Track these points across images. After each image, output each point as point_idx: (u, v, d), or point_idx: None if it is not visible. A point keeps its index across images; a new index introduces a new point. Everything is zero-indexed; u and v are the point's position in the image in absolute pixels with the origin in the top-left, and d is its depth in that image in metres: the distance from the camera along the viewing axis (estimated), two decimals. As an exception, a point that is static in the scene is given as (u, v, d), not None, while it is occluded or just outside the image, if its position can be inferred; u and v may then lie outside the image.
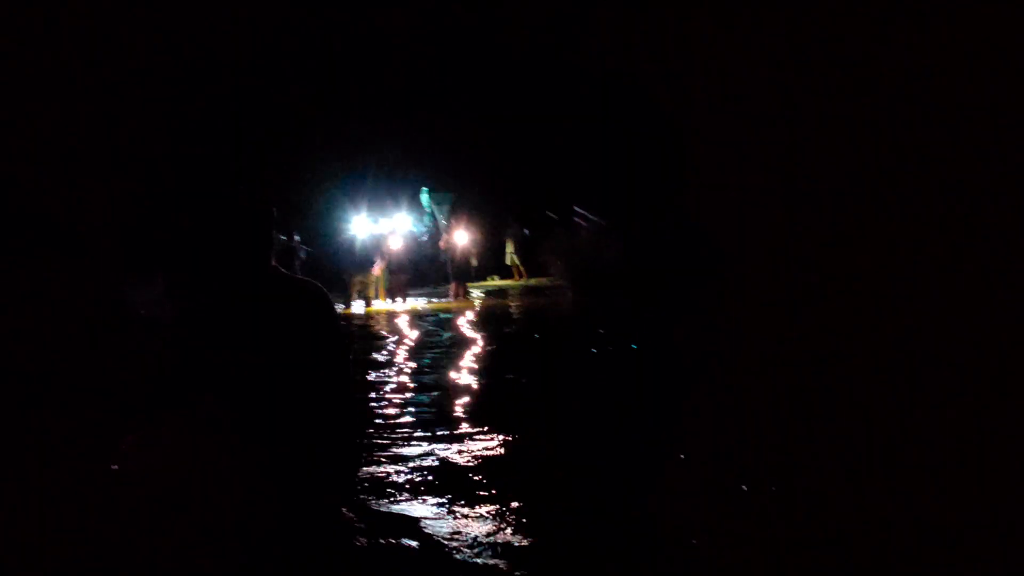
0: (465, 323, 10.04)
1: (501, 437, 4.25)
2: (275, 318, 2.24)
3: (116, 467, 2.18)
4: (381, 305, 12.84)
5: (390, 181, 17.90)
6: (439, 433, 4.38)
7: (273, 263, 2.21)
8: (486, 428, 4.44)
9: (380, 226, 13.86)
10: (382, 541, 2.94)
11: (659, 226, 11.46)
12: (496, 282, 17.56)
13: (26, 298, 4.97)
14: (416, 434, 4.38)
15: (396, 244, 13.69)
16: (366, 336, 9.38)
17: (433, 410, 4.99)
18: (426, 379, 6.08)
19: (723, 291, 8.55)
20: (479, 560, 2.74)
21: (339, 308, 12.24)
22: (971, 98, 5.73)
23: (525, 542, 2.89)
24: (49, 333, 4.81)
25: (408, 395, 5.53)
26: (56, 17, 5.70)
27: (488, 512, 3.17)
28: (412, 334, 9.20)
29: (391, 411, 5.05)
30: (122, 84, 6.42)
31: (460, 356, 7.25)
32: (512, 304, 12.56)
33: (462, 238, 14.30)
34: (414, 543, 2.90)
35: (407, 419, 4.79)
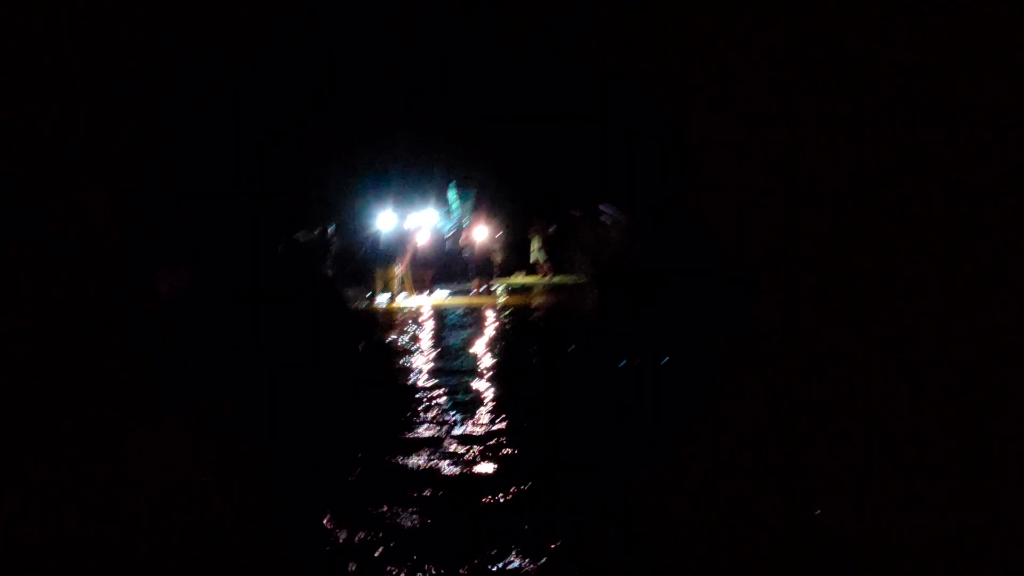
0: (482, 320, 10.05)
1: (505, 435, 4.25)
2: (275, 319, 2.24)
3: (116, 467, 2.18)
4: (405, 299, 12.88)
5: (417, 177, 18.07)
6: (441, 429, 4.38)
7: (280, 251, 2.21)
8: (491, 425, 4.44)
9: (406, 222, 13.89)
10: (374, 537, 2.94)
11: (676, 225, 11.43)
12: (521, 279, 17.53)
13: (26, 298, 4.97)
14: (419, 427, 4.38)
15: (422, 240, 13.74)
16: (385, 329, 9.50)
17: (437, 405, 4.99)
18: (433, 373, 6.08)
19: (734, 292, 8.54)
20: (476, 559, 2.74)
21: (364, 301, 12.37)
22: (971, 98, 5.73)
23: (525, 541, 2.89)
24: (49, 333, 4.82)
25: (413, 389, 5.54)
26: (56, 17, 5.70)
27: (487, 510, 3.17)
28: (428, 328, 9.23)
29: (393, 404, 5.06)
30: (122, 84, 6.41)
31: (472, 352, 7.25)
32: (533, 302, 12.52)
33: (482, 234, 14.25)
34: (409, 539, 2.90)
35: (410, 412, 4.78)
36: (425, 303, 12.64)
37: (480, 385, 5.71)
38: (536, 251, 17.40)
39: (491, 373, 6.21)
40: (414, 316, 10.74)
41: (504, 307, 11.74)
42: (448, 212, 18.60)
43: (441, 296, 13.77)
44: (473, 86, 17.45)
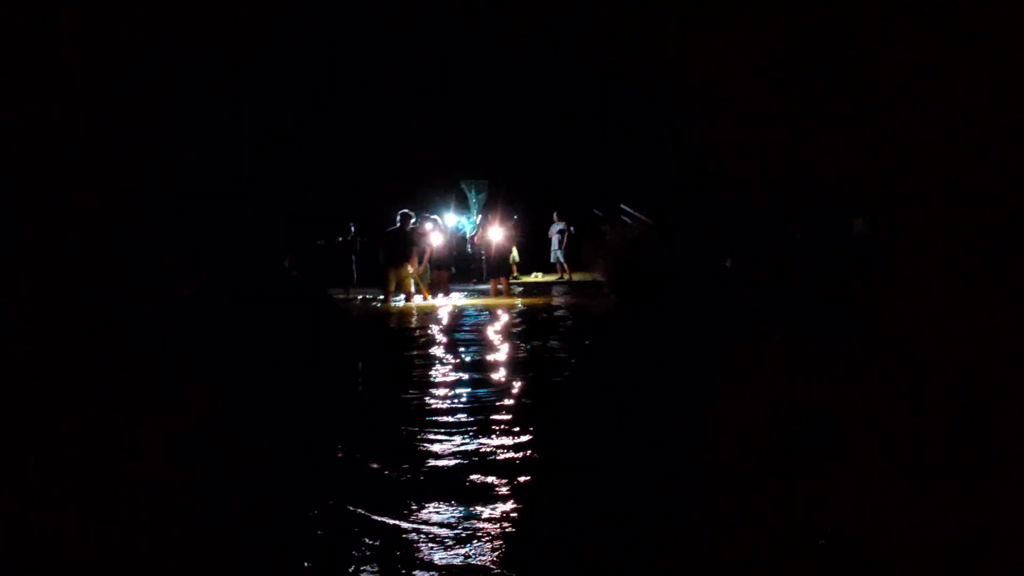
0: (495, 320, 10.01)
1: (506, 434, 4.25)
2: (273, 319, 2.24)
3: (116, 467, 2.19)
4: (421, 300, 12.83)
5: (434, 178, 18.15)
6: (441, 427, 4.38)
7: (286, 264, 2.22)
8: (492, 425, 4.45)
9: (424, 222, 13.85)
10: (373, 537, 2.94)
11: (678, 225, 11.41)
12: (539, 278, 17.47)
13: (26, 298, 4.97)
14: (418, 426, 4.38)
15: (436, 240, 13.64)
16: (392, 329, 9.54)
17: (438, 404, 5.00)
18: (435, 373, 6.08)
19: (739, 292, 8.54)
20: (476, 559, 2.74)
21: (378, 302, 12.39)
22: (971, 98, 5.73)
23: (525, 541, 2.89)
24: (49, 333, 4.82)
25: (415, 388, 5.55)
26: (56, 17, 5.70)
27: (488, 511, 3.17)
28: (437, 329, 9.21)
29: (393, 403, 5.07)
30: (122, 84, 6.42)
31: (478, 352, 7.25)
32: (549, 302, 12.45)
33: (498, 234, 14.11)
34: (407, 539, 2.90)
35: (410, 411, 4.79)
36: (440, 304, 12.59)
37: (483, 385, 5.71)
38: (555, 250, 17.35)
39: (495, 373, 6.21)
40: (426, 316, 10.71)
41: (519, 307, 11.67)
42: (467, 213, 18.68)
43: (457, 297, 13.71)
44: (478, 85, 17.47)
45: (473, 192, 19.02)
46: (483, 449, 4.05)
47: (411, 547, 2.87)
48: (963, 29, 5.63)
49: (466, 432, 4.37)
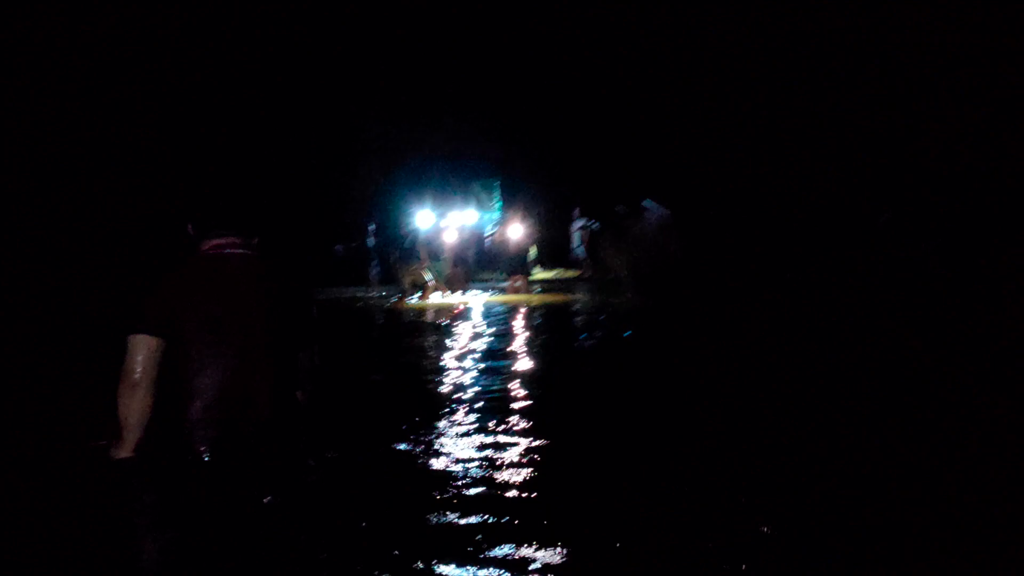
0: (510, 318, 9.94)
1: (504, 434, 4.25)
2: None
3: (116, 466, 2.18)
4: (439, 297, 12.80)
5: (454, 174, 18.17)
6: (441, 426, 4.40)
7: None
8: (492, 424, 4.45)
9: (442, 220, 13.79)
10: (370, 532, 2.94)
11: (694, 225, 11.29)
12: (560, 275, 17.29)
13: (28, 299, 4.99)
14: (416, 423, 4.39)
15: (452, 238, 13.58)
16: (402, 326, 9.63)
17: (437, 401, 5.02)
18: (437, 370, 6.08)
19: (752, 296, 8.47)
20: (473, 559, 2.74)
21: (393, 300, 12.44)
22: (973, 100, 5.72)
23: (526, 540, 2.88)
24: (50, 333, 4.83)
25: (415, 384, 5.58)
26: (59, 18, 5.73)
27: (487, 510, 3.17)
28: (446, 326, 9.18)
29: (393, 400, 5.12)
30: (124, 84, 6.44)
31: (484, 350, 7.26)
32: (566, 299, 12.32)
33: (517, 231, 13.97)
34: (404, 536, 2.90)
35: (410, 407, 4.83)
36: (456, 301, 12.53)
37: (482, 384, 5.71)
38: (577, 247, 17.21)
39: (497, 366, 6.19)
40: (440, 313, 10.66)
41: (535, 305, 11.55)
42: (486, 211, 18.67)
43: (474, 294, 13.62)
44: (493, 81, 17.41)
45: (491, 190, 19.05)
46: (480, 447, 4.04)
47: (405, 545, 2.87)
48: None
49: (464, 430, 4.37)
